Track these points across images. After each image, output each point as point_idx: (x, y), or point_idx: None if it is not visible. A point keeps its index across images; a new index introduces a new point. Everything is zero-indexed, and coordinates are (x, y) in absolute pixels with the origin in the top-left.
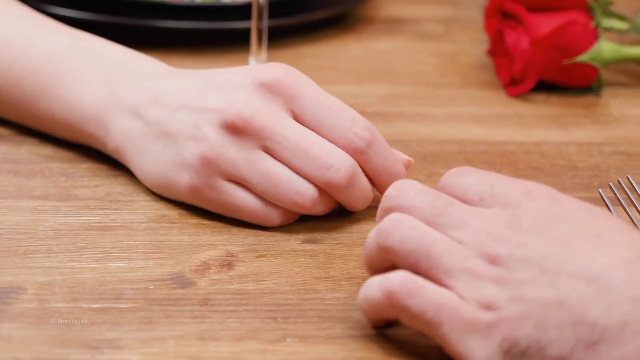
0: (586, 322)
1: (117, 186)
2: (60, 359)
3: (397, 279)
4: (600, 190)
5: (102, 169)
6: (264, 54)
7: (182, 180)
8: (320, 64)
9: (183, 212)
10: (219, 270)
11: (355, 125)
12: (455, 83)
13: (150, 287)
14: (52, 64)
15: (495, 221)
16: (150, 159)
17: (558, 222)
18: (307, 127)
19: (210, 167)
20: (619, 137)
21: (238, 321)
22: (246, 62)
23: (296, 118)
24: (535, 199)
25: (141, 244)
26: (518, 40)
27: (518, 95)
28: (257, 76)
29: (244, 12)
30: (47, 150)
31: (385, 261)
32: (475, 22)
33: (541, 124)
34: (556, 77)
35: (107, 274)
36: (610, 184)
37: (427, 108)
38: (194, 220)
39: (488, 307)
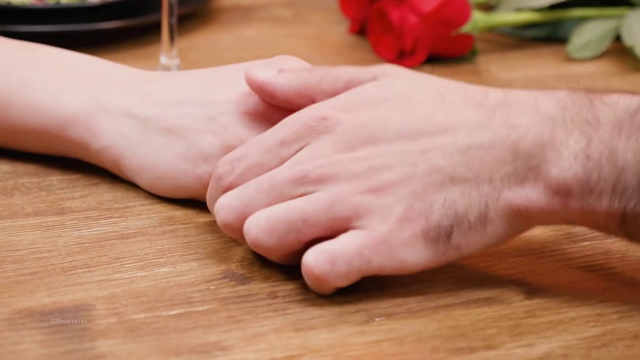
0: (484, 181)
1: (102, 194)
2: None
3: (310, 259)
4: None
5: (74, 179)
6: (175, 50)
7: (199, 171)
8: (208, 57)
9: (187, 211)
10: (264, 264)
11: None
12: (340, 63)
13: (212, 288)
14: (14, 76)
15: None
16: (153, 154)
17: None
18: None
19: None
20: None
21: (318, 308)
22: (144, 61)
23: None
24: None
25: (170, 247)
26: (405, 17)
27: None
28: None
29: (112, 11)
30: (4, 166)
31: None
32: (317, 3)
33: None
34: (440, 48)
35: (161, 281)
36: None
37: None
38: (203, 219)
39: (387, 217)
